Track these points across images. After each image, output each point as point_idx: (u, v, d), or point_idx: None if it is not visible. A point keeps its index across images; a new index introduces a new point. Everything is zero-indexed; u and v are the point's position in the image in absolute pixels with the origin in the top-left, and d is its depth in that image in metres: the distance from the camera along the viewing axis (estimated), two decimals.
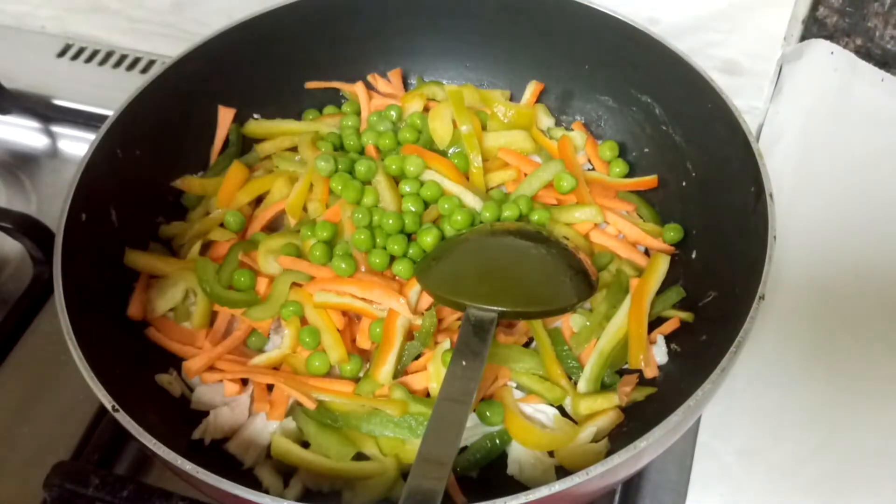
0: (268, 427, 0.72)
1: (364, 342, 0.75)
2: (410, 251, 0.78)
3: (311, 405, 0.70)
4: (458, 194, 0.81)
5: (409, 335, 0.74)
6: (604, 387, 0.73)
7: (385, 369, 0.71)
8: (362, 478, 0.68)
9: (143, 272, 0.79)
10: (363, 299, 0.75)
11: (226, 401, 0.73)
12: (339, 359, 0.73)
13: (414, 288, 0.75)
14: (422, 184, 0.82)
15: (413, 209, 0.80)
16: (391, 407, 0.69)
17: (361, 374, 0.74)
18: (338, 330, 0.74)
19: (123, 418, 0.60)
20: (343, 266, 0.76)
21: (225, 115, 0.90)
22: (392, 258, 0.78)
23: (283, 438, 0.70)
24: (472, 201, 0.81)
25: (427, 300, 0.76)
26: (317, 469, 0.68)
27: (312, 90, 0.95)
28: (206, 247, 0.82)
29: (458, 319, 0.76)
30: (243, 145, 0.91)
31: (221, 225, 0.83)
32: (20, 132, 1.07)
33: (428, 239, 0.78)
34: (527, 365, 0.73)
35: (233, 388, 0.73)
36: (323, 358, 0.73)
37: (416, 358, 0.74)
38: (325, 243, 0.78)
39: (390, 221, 0.78)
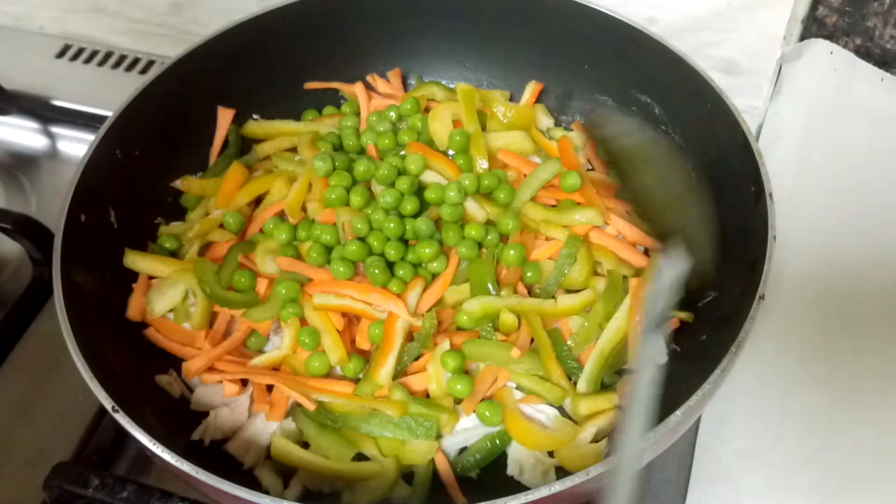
0: (268, 428, 0.72)
1: (364, 343, 0.75)
2: (408, 256, 0.78)
3: (310, 406, 0.70)
4: (460, 201, 0.81)
5: (409, 336, 0.74)
6: (604, 387, 0.73)
7: (384, 370, 0.71)
8: (362, 478, 0.68)
9: (142, 273, 0.79)
10: (363, 301, 0.75)
11: (225, 401, 0.73)
12: (339, 360, 0.73)
13: (414, 290, 0.75)
14: (423, 186, 0.82)
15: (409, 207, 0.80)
16: (391, 408, 0.69)
17: (361, 375, 0.74)
18: (337, 331, 0.74)
19: (123, 419, 0.60)
20: (341, 269, 0.76)
21: (224, 116, 0.90)
22: (391, 265, 0.78)
23: (282, 439, 0.70)
24: (474, 207, 0.81)
25: (427, 302, 0.76)
26: (316, 470, 0.68)
27: (312, 91, 0.95)
28: (206, 248, 0.82)
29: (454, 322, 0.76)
30: (242, 146, 0.91)
31: (221, 226, 0.83)
32: (19, 133, 1.07)
33: (427, 251, 0.77)
34: (526, 366, 0.73)
35: (232, 389, 0.73)
36: (322, 359, 0.73)
37: (416, 359, 0.74)
38: (323, 245, 0.78)
39: (391, 226, 0.78)
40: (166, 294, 0.77)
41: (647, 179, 0.68)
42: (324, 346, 0.74)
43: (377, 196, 0.81)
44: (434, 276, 0.78)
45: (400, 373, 0.73)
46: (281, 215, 0.83)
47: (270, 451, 0.70)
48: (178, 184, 0.86)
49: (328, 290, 0.75)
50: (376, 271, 0.75)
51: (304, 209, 0.83)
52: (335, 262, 0.77)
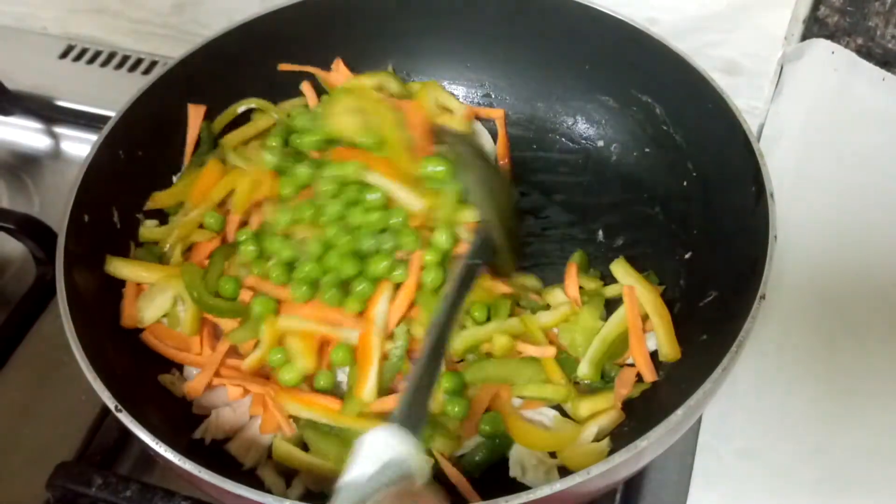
0: None
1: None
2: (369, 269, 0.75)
3: (287, 432, 0.70)
4: (401, 199, 0.77)
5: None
6: (603, 377, 0.74)
7: (368, 387, 0.70)
8: None
9: (127, 280, 0.77)
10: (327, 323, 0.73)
11: (227, 402, 0.73)
12: (308, 368, 0.71)
13: (379, 304, 0.73)
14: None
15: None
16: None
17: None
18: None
19: (126, 418, 0.60)
20: (301, 291, 0.73)
21: (195, 113, 0.87)
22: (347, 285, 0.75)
23: (284, 442, 0.70)
24: (412, 200, 0.77)
25: (395, 316, 0.74)
26: (318, 471, 0.68)
27: (311, 91, 0.95)
28: (191, 248, 0.80)
29: None
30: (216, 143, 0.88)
31: (203, 226, 0.81)
32: (23, 133, 1.07)
33: (380, 266, 0.74)
34: (527, 373, 0.73)
35: (236, 392, 0.72)
36: (293, 369, 0.72)
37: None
38: (285, 263, 0.75)
39: (341, 241, 0.75)
40: (156, 301, 0.76)
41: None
42: (291, 354, 0.72)
43: (322, 210, 0.77)
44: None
45: (386, 387, 0.72)
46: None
47: (272, 453, 0.70)
48: (149, 205, 0.83)
49: (290, 312, 0.74)
50: (330, 292, 0.73)
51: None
52: (293, 284, 0.74)
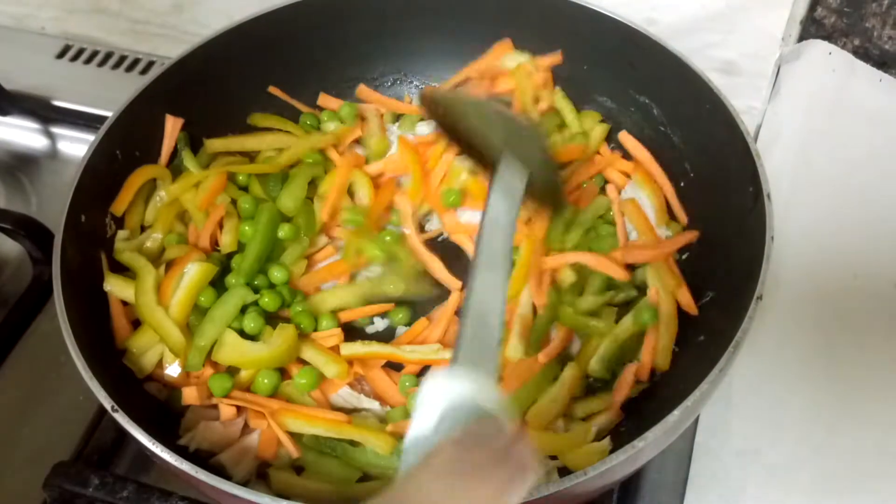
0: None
1: None
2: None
3: (294, 453, 0.68)
4: None
5: None
6: (607, 381, 0.74)
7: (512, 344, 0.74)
8: (366, 495, 0.66)
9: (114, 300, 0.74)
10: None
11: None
12: (339, 373, 0.71)
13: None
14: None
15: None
16: (378, 440, 0.68)
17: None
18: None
19: (122, 418, 0.60)
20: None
21: (172, 125, 0.85)
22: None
23: (281, 472, 0.68)
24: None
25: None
26: (319, 495, 0.67)
27: (312, 91, 0.95)
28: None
29: None
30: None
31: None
32: (20, 133, 1.07)
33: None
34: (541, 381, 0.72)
35: (228, 412, 0.71)
36: (310, 374, 0.71)
37: None
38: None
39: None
40: (155, 348, 0.73)
41: (470, 125, 0.70)
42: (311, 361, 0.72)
43: None
44: None
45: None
46: None
47: (270, 484, 0.68)
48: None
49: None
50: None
51: None
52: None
